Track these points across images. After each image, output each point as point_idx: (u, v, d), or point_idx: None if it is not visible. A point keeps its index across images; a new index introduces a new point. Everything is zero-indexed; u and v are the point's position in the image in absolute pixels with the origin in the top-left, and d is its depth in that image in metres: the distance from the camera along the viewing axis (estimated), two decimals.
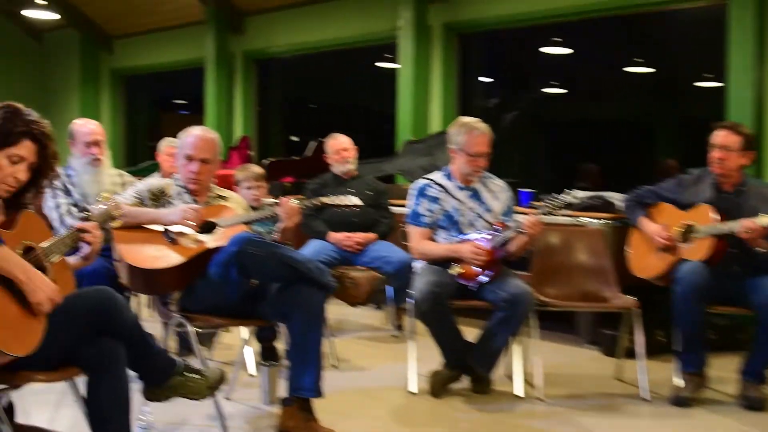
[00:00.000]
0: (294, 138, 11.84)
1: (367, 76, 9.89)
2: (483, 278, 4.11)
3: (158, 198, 3.75)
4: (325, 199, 3.91)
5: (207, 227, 3.65)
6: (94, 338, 2.63)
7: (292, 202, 3.73)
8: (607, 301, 4.49)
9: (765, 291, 3.96)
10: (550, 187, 6.45)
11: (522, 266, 4.65)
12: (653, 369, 4.44)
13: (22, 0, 10.65)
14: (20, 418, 2.81)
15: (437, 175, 4.41)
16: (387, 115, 8.49)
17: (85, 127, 4.76)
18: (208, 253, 3.47)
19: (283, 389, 3.58)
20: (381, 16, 8.43)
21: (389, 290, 5.19)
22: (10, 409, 2.75)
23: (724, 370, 4.48)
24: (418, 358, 4.30)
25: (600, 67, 8.47)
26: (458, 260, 4.17)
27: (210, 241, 3.58)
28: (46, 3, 10.53)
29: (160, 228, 3.62)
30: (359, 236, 5.29)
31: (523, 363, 4.30)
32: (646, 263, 4.38)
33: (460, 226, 4.27)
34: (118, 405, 2.65)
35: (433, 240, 4.31)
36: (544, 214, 4.08)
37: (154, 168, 8.02)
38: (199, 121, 10.22)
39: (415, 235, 4.32)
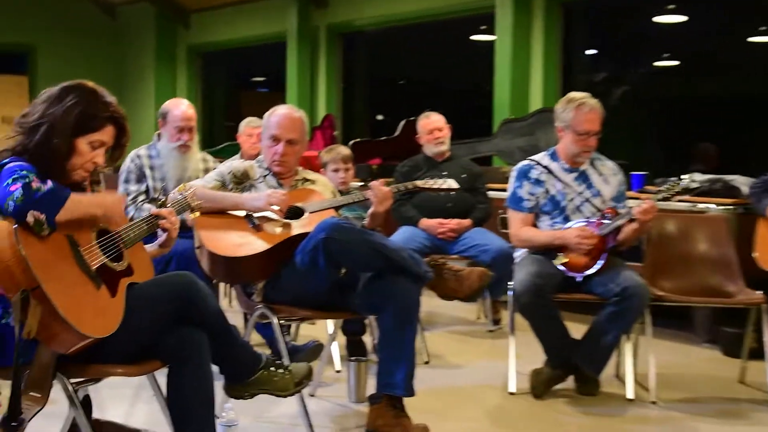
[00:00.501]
0: (380, 117, 11.83)
1: (461, 50, 9.79)
2: (591, 269, 4.03)
3: (241, 181, 3.78)
4: (420, 183, 3.88)
5: (293, 212, 3.66)
6: (176, 328, 2.66)
7: (383, 185, 3.71)
8: (731, 295, 4.35)
9: None
10: (664, 169, 6.30)
11: (634, 257, 4.55)
12: None
13: None
14: (95, 413, 2.86)
15: (541, 156, 4.35)
16: (483, 92, 8.40)
17: (179, 109, 4.79)
18: (294, 240, 3.47)
19: (371, 386, 3.57)
20: None
21: None
22: (86, 404, 2.80)
23: None
24: (518, 355, 4.25)
25: (719, 37, 8.21)
26: (563, 249, 4.10)
27: (296, 227, 3.58)
28: None
29: (243, 213, 3.64)
30: (453, 223, 5.25)
31: (635, 363, 4.20)
32: None
33: (565, 212, 4.19)
34: (201, 399, 2.67)
35: (535, 227, 4.26)
36: (660, 200, 3.97)
37: (233, 149, 8.13)
38: (279, 99, 10.31)
39: (516, 221, 4.27)
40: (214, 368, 2.83)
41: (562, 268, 4.08)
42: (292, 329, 4.87)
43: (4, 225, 2.40)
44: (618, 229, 4.05)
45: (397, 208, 5.35)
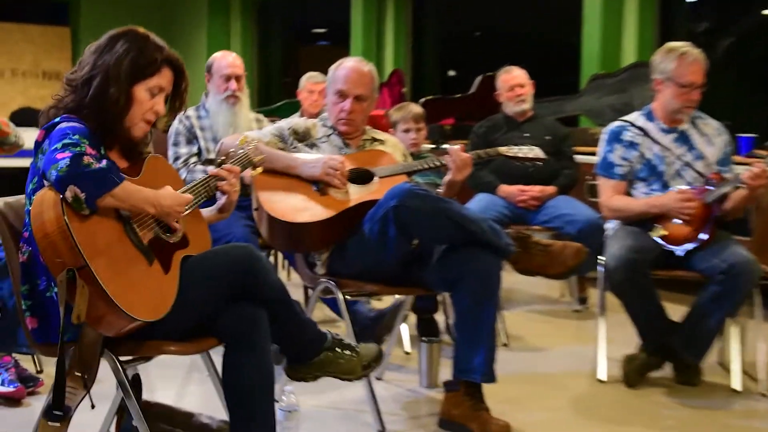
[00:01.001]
0: (452, 73, 11.74)
1: None
2: (693, 243, 3.93)
3: (303, 138, 3.76)
4: (503, 150, 3.82)
5: (361, 176, 3.62)
6: (233, 303, 2.66)
7: (462, 151, 3.65)
8: None
9: None
10: None
11: (741, 230, 4.43)
12: None
13: None
14: (145, 394, 2.87)
15: (635, 116, 4.27)
16: (569, 45, 8.28)
17: (224, 58, 4.90)
18: (363, 208, 3.44)
19: (444, 370, 3.53)
20: None
21: None
22: (136, 384, 2.81)
23: None
24: (609, 338, 4.20)
25: None
26: (661, 219, 4.01)
27: (365, 193, 3.55)
28: None
29: None
30: (536, 190, 5.18)
31: (742, 349, 4.10)
32: None
33: (663, 178, 4.11)
34: (260, 382, 2.67)
35: (629, 195, 4.19)
36: None
37: (291, 108, 8.15)
38: (342, 53, 10.26)
39: (607, 188, 4.21)
40: (275, 348, 2.82)
41: (660, 241, 3.99)
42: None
43: (50, 195, 2.39)
44: (724, 197, 3.94)
45: (474, 173, 5.19)
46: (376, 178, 3.63)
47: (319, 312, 4.55)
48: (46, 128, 2.56)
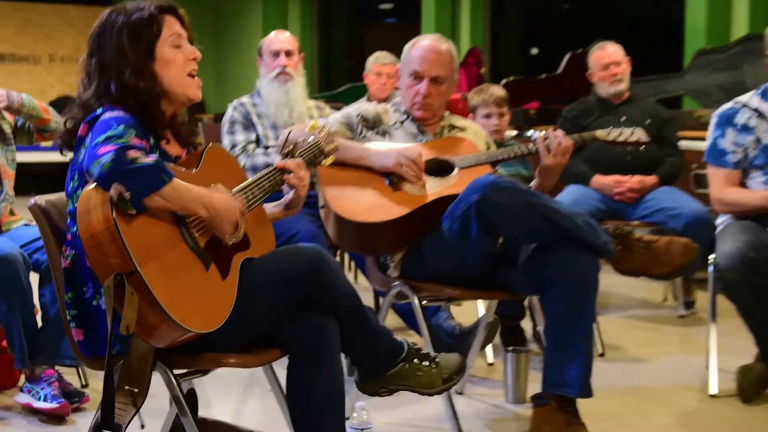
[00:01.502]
0: (535, 51, 11.69)
1: None
2: None
3: (373, 126, 3.76)
4: (602, 135, 3.75)
5: (439, 168, 3.60)
6: (299, 311, 2.65)
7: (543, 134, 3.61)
8: None
9: None
10: None
11: None
12: None
13: None
14: (201, 411, 2.89)
15: (749, 96, 4.21)
16: (670, 18, 8.17)
17: (273, 36, 5.05)
18: (441, 203, 3.42)
19: (534, 384, 3.51)
20: None
21: None
22: (191, 400, 2.82)
23: None
24: (720, 347, 4.16)
25: None
26: None
27: (443, 186, 3.54)
28: None
29: None
30: (635, 180, 5.14)
31: None
32: None
33: None
34: (328, 397, 2.67)
35: (743, 186, 4.15)
36: None
37: (356, 93, 8.16)
38: (412, 31, 10.25)
39: (718, 179, 4.17)
40: (345, 359, 2.81)
41: None
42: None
43: (98, 192, 2.40)
44: None
45: None
46: (455, 170, 3.60)
47: (392, 319, 4.55)
48: (89, 121, 2.58)
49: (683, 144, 5.46)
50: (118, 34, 2.65)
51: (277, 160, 2.92)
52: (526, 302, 4.58)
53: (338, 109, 4.92)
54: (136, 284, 2.33)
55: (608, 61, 5.40)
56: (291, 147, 3.01)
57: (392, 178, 3.56)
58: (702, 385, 4.14)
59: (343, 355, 2.79)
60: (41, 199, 2.76)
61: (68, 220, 2.63)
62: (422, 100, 3.74)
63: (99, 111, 2.58)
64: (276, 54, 4.94)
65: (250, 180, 2.77)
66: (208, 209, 2.52)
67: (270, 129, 4.82)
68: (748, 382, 4.02)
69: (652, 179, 5.16)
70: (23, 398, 3.78)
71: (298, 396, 2.68)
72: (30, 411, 3.76)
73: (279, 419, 2.93)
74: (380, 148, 3.62)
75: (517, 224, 3.26)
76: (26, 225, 4.02)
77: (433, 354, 3.03)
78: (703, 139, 4.29)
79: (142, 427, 2.46)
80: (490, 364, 4.52)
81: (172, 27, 2.71)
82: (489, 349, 4.57)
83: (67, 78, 13.80)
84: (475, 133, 3.88)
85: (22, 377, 3.90)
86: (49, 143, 4.24)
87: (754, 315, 3.92)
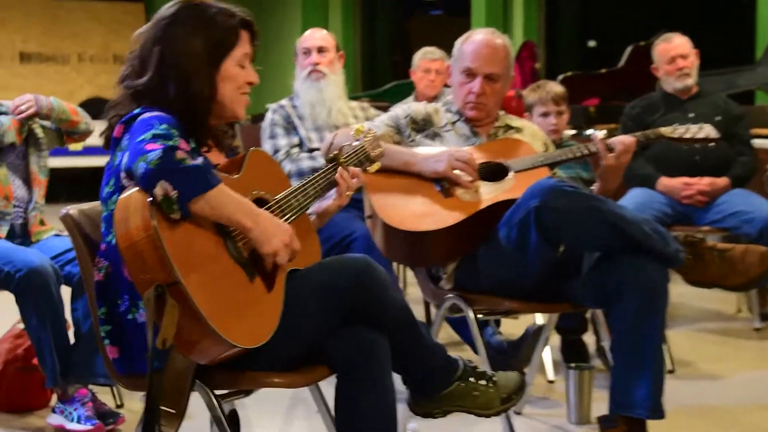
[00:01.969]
0: (592, 43, 11.64)
1: None
2: None
3: (423, 127, 3.76)
4: (667, 132, 3.72)
5: (494, 172, 3.59)
6: (348, 326, 2.65)
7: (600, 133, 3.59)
8: None
9: None
10: None
11: None
12: None
13: None
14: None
15: None
16: (741, 7, 8.10)
17: (307, 34, 5.06)
18: (497, 210, 3.42)
19: (599, 404, 3.49)
20: None
21: None
22: (233, 422, 2.83)
23: None
24: None
25: None
26: None
27: (499, 191, 3.53)
28: None
29: None
30: (704, 183, 5.12)
31: None
32: None
33: None
34: (379, 418, 2.66)
35: None
36: None
37: (402, 91, 8.16)
38: (460, 24, 10.25)
39: None
40: (396, 378, 2.80)
41: None
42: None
43: (138, 196, 2.40)
44: None
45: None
46: (511, 173, 3.59)
47: (444, 333, 4.54)
48: (125, 121, 2.58)
49: (757, 142, 5.42)
50: (192, 36, 2.62)
51: (324, 162, 2.93)
52: (588, 315, 4.55)
53: (383, 109, 4.94)
54: (178, 296, 2.32)
55: (674, 53, 5.37)
56: (336, 152, 3.01)
57: (443, 184, 3.55)
58: None
59: (394, 374, 2.78)
60: (74, 210, 2.77)
61: (102, 228, 2.64)
62: (475, 100, 3.72)
63: (137, 111, 2.57)
64: (307, 51, 4.98)
65: (294, 186, 2.78)
66: (256, 222, 2.50)
67: (313, 131, 4.84)
68: None
69: (723, 181, 5.14)
70: (55, 419, 3.80)
71: (347, 417, 2.67)
72: None
73: None
74: (429, 152, 3.62)
75: (580, 231, 3.24)
76: (57, 235, 4.05)
77: (490, 372, 3.01)
78: None
79: None
80: (551, 382, 4.50)
81: (245, 45, 2.71)
82: (549, 365, 4.55)
83: (97, 78, 13.85)
84: (532, 134, 3.87)
85: (54, 397, 3.92)
86: (79, 146, 4.28)
87: None
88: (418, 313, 4.92)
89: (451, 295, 3.55)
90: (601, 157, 3.55)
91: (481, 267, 3.47)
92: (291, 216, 2.71)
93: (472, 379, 2.94)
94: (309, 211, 2.92)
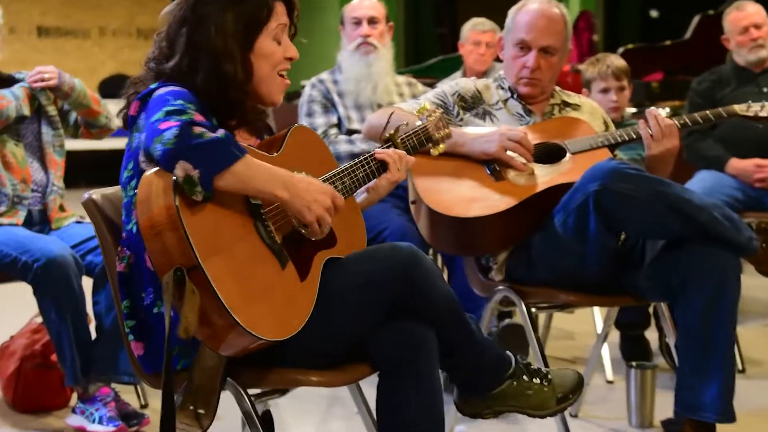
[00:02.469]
0: (655, 13, 11.57)
1: None
2: None
3: (473, 105, 3.75)
4: (740, 110, 3.69)
5: (549, 153, 3.58)
6: (391, 321, 2.65)
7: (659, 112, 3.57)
8: None
9: None
10: None
11: None
12: None
13: None
14: None
15: None
16: None
17: (357, 2, 5.02)
18: (552, 194, 3.41)
19: (663, 405, 3.46)
20: None
21: None
22: (267, 423, 2.84)
23: None
24: None
25: None
26: None
27: (555, 174, 3.52)
28: None
29: None
30: None
31: None
32: None
33: None
34: (426, 419, 2.66)
35: None
36: None
37: (449, 65, 8.15)
38: None
39: None
40: (443, 376, 2.80)
41: None
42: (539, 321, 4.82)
43: (161, 175, 2.40)
44: None
45: (692, 144, 5.26)
46: (568, 155, 3.58)
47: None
48: (141, 98, 2.59)
49: None
50: (221, 13, 2.62)
51: (364, 147, 2.91)
52: (651, 309, 4.55)
53: (429, 85, 4.92)
54: (199, 281, 2.32)
55: (747, 23, 5.36)
56: (392, 131, 2.99)
57: (493, 167, 3.54)
58: None
59: (441, 371, 2.78)
60: (96, 194, 2.78)
61: (123, 216, 2.65)
62: (530, 75, 3.71)
63: (154, 86, 2.58)
64: (358, 22, 4.95)
65: (340, 168, 2.77)
66: (288, 190, 2.48)
67: (353, 109, 4.83)
68: None
69: None
70: (75, 420, 3.84)
71: (390, 418, 2.67)
72: None
73: None
74: (479, 132, 3.61)
75: (643, 218, 3.23)
76: (78, 222, 4.07)
77: (545, 370, 3.01)
78: None
79: None
80: (610, 382, 4.49)
81: (280, 16, 2.70)
82: (608, 364, 4.53)
83: (120, 54, 13.91)
84: (590, 112, 3.86)
85: (74, 396, 3.95)
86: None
87: None
88: None
89: (502, 287, 3.54)
90: (645, 146, 3.54)
91: (535, 257, 3.47)
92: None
93: (525, 377, 2.94)
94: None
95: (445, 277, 4.51)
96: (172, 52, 2.65)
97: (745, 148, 5.13)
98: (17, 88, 4.05)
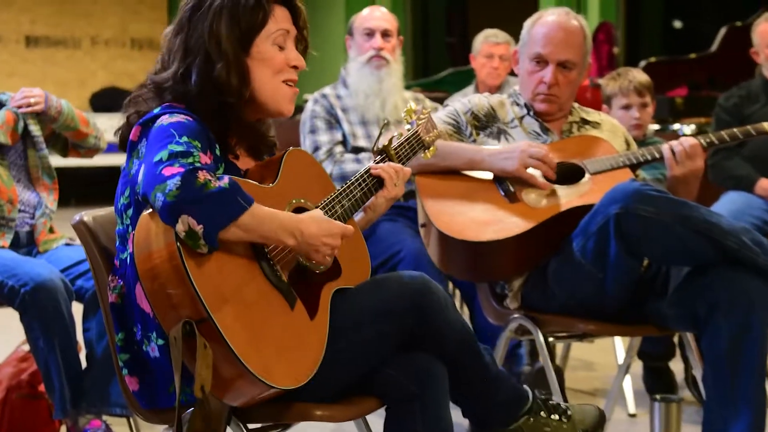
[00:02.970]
0: (678, 24, 11.59)
1: None
2: None
3: (487, 124, 3.75)
4: None
5: (567, 173, 3.59)
6: (400, 353, 2.66)
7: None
8: None
9: None
10: None
11: None
12: None
13: None
14: None
15: None
16: None
17: (367, 12, 5.01)
18: (571, 216, 3.41)
19: None
20: None
21: None
22: None
23: None
24: None
25: None
26: None
27: (573, 196, 3.52)
28: None
29: (488, 175, 3.60)
30: None
31: None
32: None
33: None
34: None
35: None
36: None
37: (460, 79, 8.16)
38: (528, 3, 10.23)
39: None
40: (455, 409, 2.80)
41: None
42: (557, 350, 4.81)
43: (160, 220, 2.37)
44: None
45: (719, 163, 5.25)
46: (587, 176, 3.58)
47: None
48: (143, 123, 2.58)
49: None
50: (216, 15, 2.62)
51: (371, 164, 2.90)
52: (675, 338, 4.53)
53: (439, 100, 4.92)
54: (209, 333, 2.32)
55: None
56: (385, 143, 2.98)
57: (507, 187, 3.54)
58: None
59: (452, 405, 2.77)
60: (88, 216, 2.78)
61: (117, 243, 2.64)
62: (547, 91, 3.70)
63: (156, 111, 2.57)
64: (370, 33, 4.93)
65: (338, 190, 2.76)
66: (296, 237, 2.48)
67: (358, 125, 4.83)
68: None
69: None
70: None
71: None
72: None
73: None
74: (496, 148, 3.61)
75: (667, 243, 3.22)
76: (68, 245, 4.06)
77: (564, 405, 3.01)
78: None
79: None
80: (632, 416, 4.49)
81: (280, 21, 2.70)
82: (630, 397, 4.52)
83: (113, 65, 13.89)
84: (611, 130, 3.86)
85: (63, 429, 3.94)
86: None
87: None
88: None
89: (517, 315, 3.54)
90: (667, 167, 3.54)
91: (552, 283, 3.47)
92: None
93: (543, 413, 2.94)
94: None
95: (466, 309, 4.54)
96: (170, 62, 2.66)
97: None
98: (1, 113, 4.04)
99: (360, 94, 4.89)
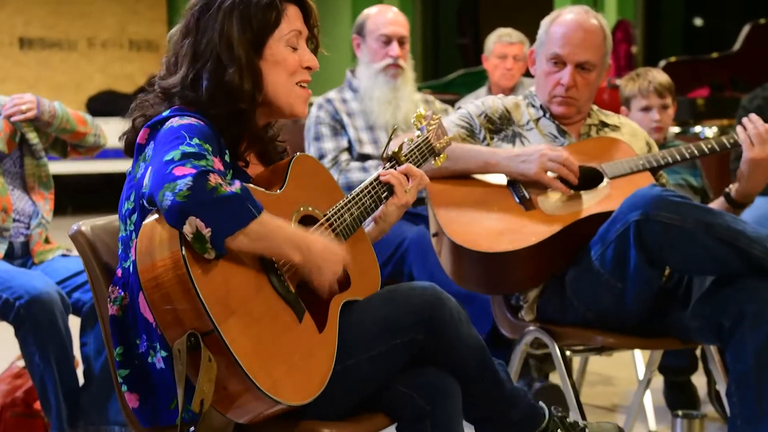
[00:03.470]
0: (699, 22, 11.59)
1: None
2: None
3: (501, 128, 3.74)
4: None
5: (586, 178, 3.58)
6: (411, 369, 2.66)
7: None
8: None
9: None
10: None
11: None
12: None
13: None
14: None
15: None
16: None
17: (382, 15, 4.95)
18: (589, 224, 3.41)
19: None
20: None
21: None
22: None
23: None
24: None
25: None
26: None
27: (591, 202, 3.52)
28: None
29: (502, 180, 3.60)
30: None
31: None
32: None
33: None
34: None
35: None
36: None
37: (472, 81, 8.17)
38: (543, 1, 10.23)
39: None
40: (468, 427, 2.80)
41: None
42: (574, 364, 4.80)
43: (164, 228, 2.37)
44: None
45: None
46: (605, 180, 3.58)
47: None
48: (151, 126, 2.57)
49: None
50: (226, 16, 2.62)
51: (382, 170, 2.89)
52: (698, 351, 4.53)
53: (450, 102, 4.91)
54: (214, 346, 2.31)
55: None
56: (396, 149, 2.97)
57: (523, 193, 3.53)
58: None
59: (465, 423, 2.78)
60: (85, 225, 2.77)
61: (119, 250, 2.64)
62: (565, 93, 3.70)
63: (165, 113, 2.57)
64: (387, 41, 4.91)
65: (346, 198, 2.76)
66: (302, 252, 2.48)
67: (364, 131, 4.82)
68: None
69: None
70: None
71: None
72: None
73: None
74: (513, 150, 3.61)
75: (689, 251, 3.22)
76: (64, 255, 4.06)
77: (582, 423, 3.00)
78: None
79: None
80: None
81: (293, 22, 2.70)
82: (651, 413, 4.50)
83: (110, 67, 13.87)
84: (631, 133, 3.85)
85: None
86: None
87: None
88: None
89: (533, 328, 3.54)
90: (744, 150, 3.51)
91: (569, 294, 3.47)
92: (344, 234, 2.70)
93: (560, 431, 2.93)
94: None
95: None
96: (177, 67, 2.65)
97: None
98: None
99: (373, 101, 4.88)
